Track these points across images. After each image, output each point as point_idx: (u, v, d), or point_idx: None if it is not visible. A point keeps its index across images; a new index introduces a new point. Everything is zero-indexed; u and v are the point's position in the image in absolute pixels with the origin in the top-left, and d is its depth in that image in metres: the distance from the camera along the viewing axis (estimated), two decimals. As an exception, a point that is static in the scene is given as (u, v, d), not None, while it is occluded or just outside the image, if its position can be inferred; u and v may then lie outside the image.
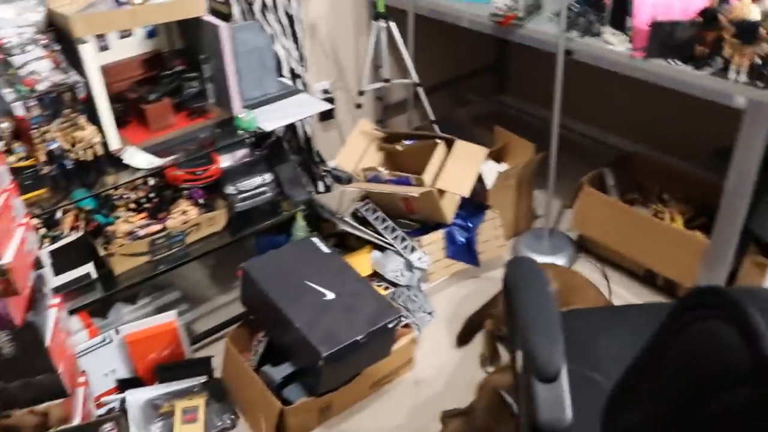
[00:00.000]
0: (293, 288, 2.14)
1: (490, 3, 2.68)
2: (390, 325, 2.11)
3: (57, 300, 1.75)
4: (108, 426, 1.66)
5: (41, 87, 2.09)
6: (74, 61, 2.16)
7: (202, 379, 2.36)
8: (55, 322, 1.67)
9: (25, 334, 1.54)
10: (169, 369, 2.35)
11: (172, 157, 2.25)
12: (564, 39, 2.42)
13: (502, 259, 2.89)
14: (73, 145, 2.13)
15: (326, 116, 3.28)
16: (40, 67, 2.14)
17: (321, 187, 3.22)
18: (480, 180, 2.70)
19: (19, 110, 2.06)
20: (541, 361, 1.20)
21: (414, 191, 2.45)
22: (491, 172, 2.78)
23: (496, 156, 2.99)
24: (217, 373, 2.40)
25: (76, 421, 1.73)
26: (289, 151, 2.82)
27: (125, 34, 2.45)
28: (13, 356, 1.56)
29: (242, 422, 2.28)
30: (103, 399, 2.23)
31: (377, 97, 3.49)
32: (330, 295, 2.13)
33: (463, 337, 2.53)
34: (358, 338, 2.03)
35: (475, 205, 2.73)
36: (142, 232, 2.31)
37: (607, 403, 1.27)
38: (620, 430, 1.20)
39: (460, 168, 2.55)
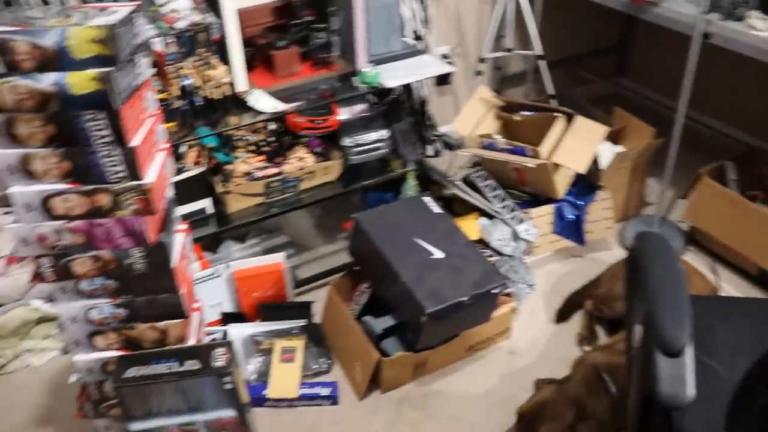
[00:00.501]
0: (402, 243, 2.16)
1: (626, -22, 2.60)
2: (494, 291, 2.11)
3: (183, 226, 1.83)
4: (220, 351, 1.73)
5: (180, 25, 2.16)
6: (212, 3, 2.22)
7: (302, 322, 2.42)
8: (181, 247, 1.75)
9: (156, 252, 1.62)
10: (271, 308, 2.42)
11: (294, 104, 2.30)
12: (703, 21, 2.33)
13: (608, 241, 2.83)
14: (204, 83, 2.21)
15: (442, 81, 3.27)
16: (180, 6, 2.21)
17: (430, 150, 3.22)
18: (595, 159, 2.64)
19: (158, 45, 2.14)
20: (668, 335, 1.18)
21: (529, 162, 2.43)
22: (607, 152, 2.71)
23: (613, 137, 2.91)
24: (316, 319, 2.47)
25: (191, 342, 1.81)
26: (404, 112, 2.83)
27: (260, -21, 2.50)
28: (142, 273, 1.64)
29: (337, 368, 2.33)
30: (207, 329, 2.33)
31: (496, 67, 3.45)
32: (438, 254, 2.15)
33: (562, 315, 2.51)
34: (463, 299, 2.04)
35: (587, 183, 2.68)
36: (259, 174, 2.37)
37: (741, 384, 1.24)
38: (754, 408, 1.17)
39: (577, 144, 2.50)
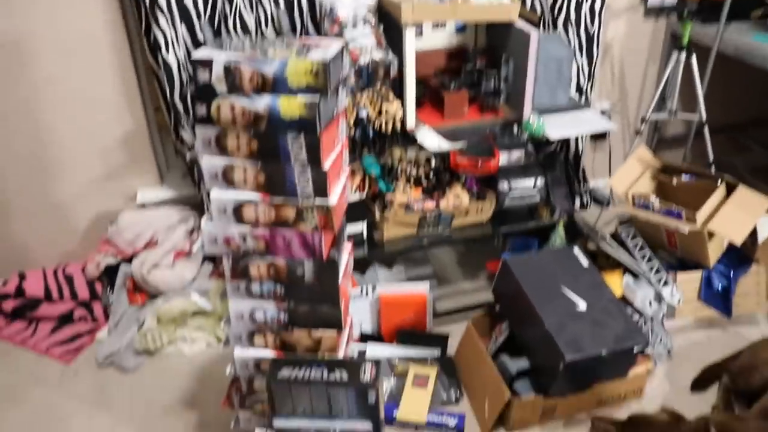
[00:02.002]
0: (548, 290, 2.21)
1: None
2: (635, 349, 2.12)
3: (349, 246, 1.97)
4: (368, 366, 1.84)
5: (362, 60, 2.33)
6: (393, 42, 2.38)
7: (436, 352, 2.51)
8: (346, 264, 1.88)
9: (326, 267, 1.75)
10: (410, 335, 2.53)
11: (459, 144, 2.41)
12: None
13: (755, 317, 2.75)
14: (378, 116, 2.35)
15: (598, 136, 3.30)
16: (366, 44, 2.38)
17: (577, 203, 3.25)
18: (752, 232, 2.59)
19: (341, 78, 2.31)
20: None
21: (684, 227, 2.41)
22: (766, 226, 2.65)
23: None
24: (450, 352, 2.54)
25: (341, 355, 1.94)
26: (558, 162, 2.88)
27: (439, 25, 2.64)
28: (310, 283, 1.78)
29: (465, 401, 2.39)
30: (348, 345, 2.46)
31: (655, 128, 3.44)
32: (582, 306, 2.18)
33: (699, 384, 2.45)
34: (602, 353, 2.06)
35: (740, 255, 2.63)
36: (416, 206, 2.49)
37: None
38: None
39: (737, 214, 2.46)
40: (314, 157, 1.58)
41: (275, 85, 1.52)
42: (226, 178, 1.66)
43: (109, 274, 2.81)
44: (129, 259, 2.77)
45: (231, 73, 1.52)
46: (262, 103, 1.53)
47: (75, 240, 2.94)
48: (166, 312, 2.64)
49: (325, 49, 1.56)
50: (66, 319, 2.77)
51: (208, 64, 1.53)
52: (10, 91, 2.56)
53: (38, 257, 2.92)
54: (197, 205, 2.89)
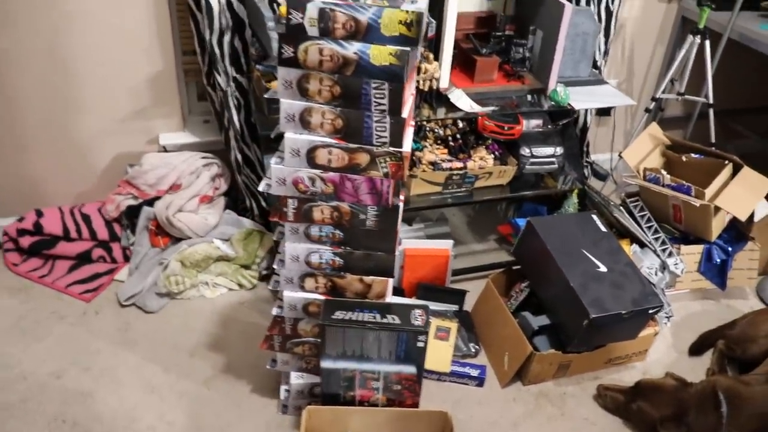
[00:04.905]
0: (571, 252, 2.33)
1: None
2: (651, 311, 2.26)
3: (402, 197, 2.04)
4: (418, 312, 1.93)
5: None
6: (433, 3, 2.42)
7: (454, 307, 2.62)
8: (401, 214, 1.96)
9: (388, 214, 1.82)
10: (430, 290, 2.62)
11: (489, 108, 2.50)
12: None
13: (745, 291, 2.94)
14: (417, 74, 2.42)
15: (603, 112, 3.43)
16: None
17: (578, 175, 3.38)
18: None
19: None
20: None
21: (694, 201, 2.56)
22: (764, 208, 2.82)
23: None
24: (466, 307, 2.65)
25: (388, 300, 2.02)
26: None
27: (472, -12, 2.71)
28: (370, 229, 1.85)
29: (482, 355, 2.51)
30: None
31: (659, 108, 3.58)
32: (602, 268, 2.31)
33: (696, 349, 2.64)
34: (623, 312, 2.19)
35: (738, 232, 2.80)
36: (444, 165, 2.58)
37: None
38: None
39: (742, 192, 2.62)
40: (395, 106, 1.65)
41: (368, 32, 1.58)
42: (303, 121, 1.72)
43: (128, 215, 2.82)
44: (149, 202, 2.79)
45: (325, 16, 1.57)
46: (352, 48, 1.59)
47: (92, 180, 2.93)
48: (189, 256, 2.67)
49: (412, 2, 1.62)
50: (84, 258, 2.78)
51: (302, 5, 1.57)
52: (38, 20, 2.52)
53: (53, 195, 2.90)
54: (218, 152, 2.91)
